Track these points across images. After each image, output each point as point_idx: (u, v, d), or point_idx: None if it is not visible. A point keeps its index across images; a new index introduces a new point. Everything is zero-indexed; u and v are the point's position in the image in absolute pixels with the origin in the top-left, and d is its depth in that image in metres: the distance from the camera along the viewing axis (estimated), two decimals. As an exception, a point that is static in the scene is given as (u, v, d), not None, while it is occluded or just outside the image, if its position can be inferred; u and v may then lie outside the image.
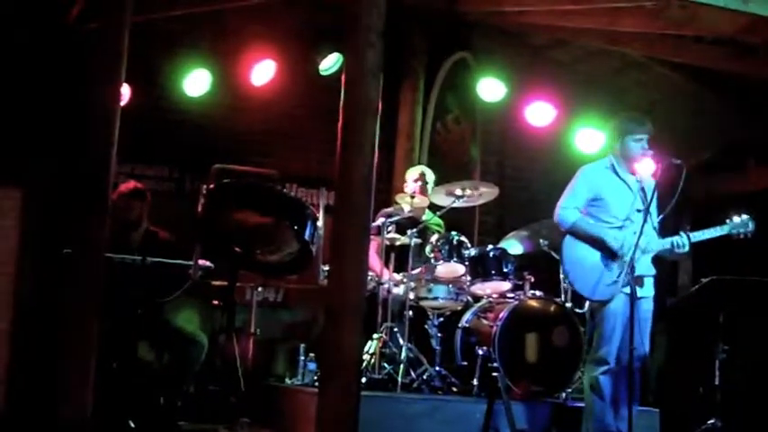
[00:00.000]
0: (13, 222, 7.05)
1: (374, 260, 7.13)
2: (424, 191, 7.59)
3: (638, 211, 5.95)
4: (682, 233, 5.87)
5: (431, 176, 7.80)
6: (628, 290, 5.81)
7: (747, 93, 8.65)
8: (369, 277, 6.60)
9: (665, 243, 5.91)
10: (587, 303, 6.28)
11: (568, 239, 6.11)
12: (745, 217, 5.88)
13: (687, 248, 5.90)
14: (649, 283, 6.02)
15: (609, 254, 5.95)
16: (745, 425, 7.15)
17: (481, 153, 9.46)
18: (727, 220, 5.90)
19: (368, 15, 4.98)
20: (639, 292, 5.84)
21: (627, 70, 9.32)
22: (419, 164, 8.54)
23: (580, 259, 6.04)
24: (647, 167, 6.13)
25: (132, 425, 6.04)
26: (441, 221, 7.67)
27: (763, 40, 7.24)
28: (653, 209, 6.01)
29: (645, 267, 5.94)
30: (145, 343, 6.74)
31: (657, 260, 6.10)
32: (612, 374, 5.92)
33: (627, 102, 9.11)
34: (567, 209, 6.11)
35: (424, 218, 7.58)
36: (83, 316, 5.38)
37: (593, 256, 5.99)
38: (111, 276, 5.90)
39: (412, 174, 7.82)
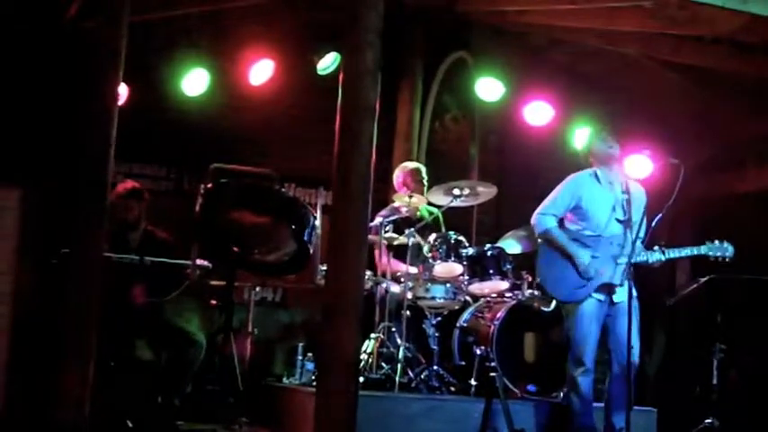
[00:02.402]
0: (11, 222, 7.04)
1: (393, 262, 7.19)
2: (420, 188, 7.57)
3: (618, 221, 5.99)
4: (658, 249, 5.90)
5: (424, 171, 7.81)
6: (600, 296, 5.94)
7: (746, 92, 8.64)
8: (366, 276, 6.61)
9: (642, 257, 5.94)
10: (553, 302, 6.41)
11: (544, 242, 6.23)
12: (725, 243, 5.95)
13: (663, 260, 5.96)
14: (622, 290, 6.03)
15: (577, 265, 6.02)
16: (742, 424, 7.16)
17: (479, 152, 9.45)
18: (707, 242, 5.97)
19: (366, 15, 4.99)
20: (616, 297, 5.97)
21: (625, 70, 9.31)
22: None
23: (552, 260, 6.14)
24: (638, 173, 6.19)
25: (130, 425, 6.04)
26: (435, 210, 7.61)
27: (762, 40, 7.23)
28: (641, 215, 6.02)
29: (614, 281, 5.99)
30: (143, 343, 6.74)
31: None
32: (591, 375, 6.01)
33: (625, 101, 9.11)
34: (545, 215, 6.21)
35: (418, 213, 7.57)
36: (81, 316, 5.39)
37: (564, 260, 6.07)
38: (110, 276, 5.91)
39: (409, 171, 7.80)
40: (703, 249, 5.95)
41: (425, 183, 7.69)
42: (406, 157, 8.73)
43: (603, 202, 6.08)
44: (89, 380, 5.33)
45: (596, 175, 6.17)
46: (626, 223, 5.93)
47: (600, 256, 5.96)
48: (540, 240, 6.35)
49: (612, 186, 6.10)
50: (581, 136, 8.95)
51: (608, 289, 5.94)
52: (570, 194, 6.18)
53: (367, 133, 4.93)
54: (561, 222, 6.23)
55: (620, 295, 5.95)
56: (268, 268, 6.46)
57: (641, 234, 6.01)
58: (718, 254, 5.93)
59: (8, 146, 7.25)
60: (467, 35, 9.16)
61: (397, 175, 7.86)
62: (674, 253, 5.95)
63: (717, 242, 5.94)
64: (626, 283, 5.93)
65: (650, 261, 5.92)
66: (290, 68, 8.34)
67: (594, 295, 5.96)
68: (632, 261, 5.88)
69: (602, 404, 6.19)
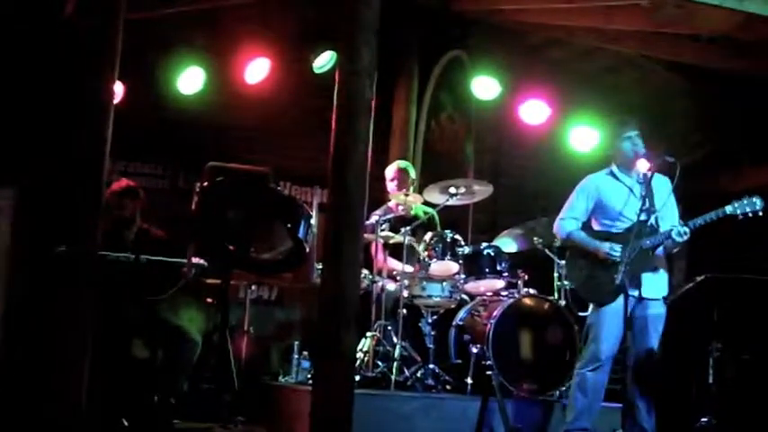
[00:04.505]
0: (6, 221, 7.03)
1: (389, 260, 7.19)
2: (405, 186, 7.54)
3: (640, 210, 5.93)
4: (680, 221, 5.82)
5: (411, 169, 7.80)
6: (634, 292, 5.77)
7: (742, 91, 8.65)
8: (363, 275, 6.61)
9: (663, 234, 5.81)
10: (591, 306, 6.12)
11: (570, 248, 6.15)
12: (753, 197, 5.72)
13: (688, 236, 5.78)
14: (658, 284, 5.95)
15: (604, 262, 5.92)
16: (738, 423, 7.15)
17: (475, 151, 9.45)
18: (733, 201, 5.74)
19: (362, 13, 5.00)
20: (645, 292, 5.81)
21: (622, 69, 9.33)
22: (413, 162, 8.54)
23: (581, 265, 6.04)
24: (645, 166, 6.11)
25: (126, 423, 6.03)
26: (430, 210, 7.61)
27: (759, 38, 7.24)
28: (668, 204, 5.96)
29: (645, 267, 5.88)
30: (139, 341, 6.73)
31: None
32: (603, 373, 5.92)
33: (621, 100, 9.11)
34: (565, 219, 6.15)
35: (412, 212, 7.57)
36: (76, 314, 5.38)
37: (592, 261, 5.98)
38: (105, 275, 5.90)
39: (393, 170, 7.81)
40: (729, 209, 5.70)
41: (410, 181, 7.66)
42: (401, 155, 8.73)
43: (619, 194, 6.01)
44: (84, 379, 5.32)
45: (612, 173, 6.11)
46: (646, 211, 5.85)
47: (628, 250, 5.85)
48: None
49: (630, 180, 6.05)
50: (581, 134, 9.01)
51: (637, 282, 5.78)
52: (586, 195, 6.11)
53: (363, 132, 4.93)
54: (588, 227, 6.14)
55: (649, 290, 5.85)
56: (264, 266, 6.46)
57: (675, 221, 5.91)
58: (747, 209, 5.68)
59: (2, 144, 7.24)
60: (463, 34, 9.16)
61: (386, 174, 7.84)
62: (698, 221, 5.74)
63: (744, 199, 5.70)
64: (652, 277, 5.86)
65: (676, 238, 5.74)
66: (286, 67, 8.33)
67: (631, 293, 5.76)
68: (651, 245, 5.81)
69: (610, 404, 6.21)
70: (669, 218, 5.96)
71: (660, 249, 5.92)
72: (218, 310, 6.42)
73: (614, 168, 6.12)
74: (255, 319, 7.49)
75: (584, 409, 5.92)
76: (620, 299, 5.75)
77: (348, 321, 4.79)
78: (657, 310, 5.95)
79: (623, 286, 5.61)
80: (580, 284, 6.06)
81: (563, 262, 6.75)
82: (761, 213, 5.72)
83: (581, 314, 6.54)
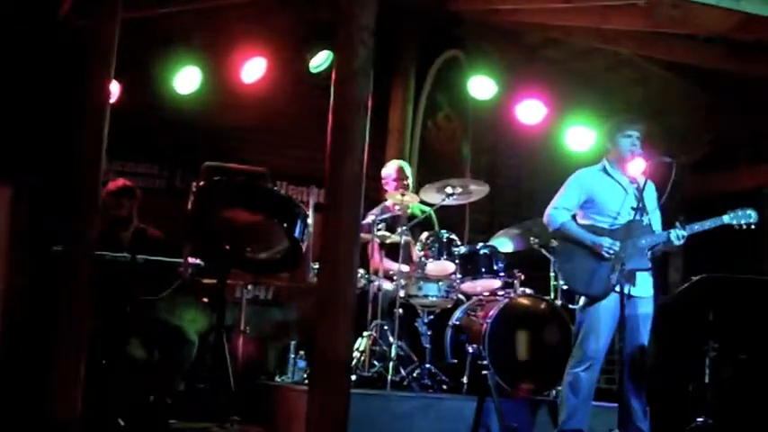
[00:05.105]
0: (3, 220, 7.04)
1: (386, 260, 7.19)
2: (403, 186, 7.54)
3: (633, 209, 5.92)
4: (678, 225, 5.84)
5: (408, 169, 7.80)
6: (627, 289, 5.75)
7: (740, 91, 8.65)
8: (359, 275, 6.60)
9: (661, 236, 5.84)
10: (581, 299, 6.12)
11: (561, 239, 6.13)
12: (747, 209, 5.85)
13: (683, 240, 5.83)
14: (646, 283, 5.97)
15: (599, 256, 5.92)
16: (735, 423, 7.16)
17: (472, 151, 9.44)
18: (728, 211, 5.86)
19: (358, 13, 4.97)
20: (635, 290, 5.82)
21: (619, 68, 9.32)
22: (410, 162, 8.54)
23: (573, 256, 6.02)
24: (639, 168, 6.11)
25: (122, 423, 6.03)
26: (427, 209, 7.61)
27: (756, 38, 7.24)
28: (654, 208, 6.00)
29: (641, 265, 5.88)
30: (136, 341, 6.73)
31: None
32: (595, 372, 5.92)
33: (618, 100, 9.12)
34: (558, 209, 6.11)
35: (409, 212, 7.56)
36: (73, 314, 5.38)
37: (585, 254, 5.97)
38: (102, 274, 5.90)
39: (391, 169, 7.81)
40: (726, 219, 5.82)
41: (409, 181, 7.67)
42: (398, 155, 8.73)
43: (615, 192, 6.02)
44: (80, 378, 5.32)
45: (605, 169, 6.11)
46: (640, 210, 5.85)
47: (620, 244, 5.84)
48: (556, 243, 6.28)
49: (622, 177, 6.06)
50: (578, 134, 9.01)
51: (632, 278, 5.79)
52: (579, 188, 6.10)
53: (359, 132, 4.91)
54: (573, 219, 6.14)
55: (638, 289, 5.86)
56: (260, 266, 6.46)
57: (659, 228, 5.96)
58: (743, 221, 5.82)
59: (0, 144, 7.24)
60: (460, 33, 9.16)
61: (383, 173, 7.83)
62: (695, 227, 5.81)
63: (739, 210, 5.83)
64: (643, 276, 5.87)
65: (674, 241, 5.78)
66: (282, 66, 8.33)
67: (617, 289, 5.76)
68: (647, 246, 5.81)
69: (606, 404, 6.20)
70: (655, 224, 6.00)
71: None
72: (215, 310, 6.42)
73: (607, 165, 6.12)
74: (252, 318, 7.48)
75: (576, 408, 5.91)
76: (613, 296, 5.79)
77: (344, 321, 4.78)
78: (647, 309, 5.97)
79: (620, 284, 5.63)
80: (574, 279, 6.06)
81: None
82: (753, 226, 5.85)
83: (571, 306, 6.56)
